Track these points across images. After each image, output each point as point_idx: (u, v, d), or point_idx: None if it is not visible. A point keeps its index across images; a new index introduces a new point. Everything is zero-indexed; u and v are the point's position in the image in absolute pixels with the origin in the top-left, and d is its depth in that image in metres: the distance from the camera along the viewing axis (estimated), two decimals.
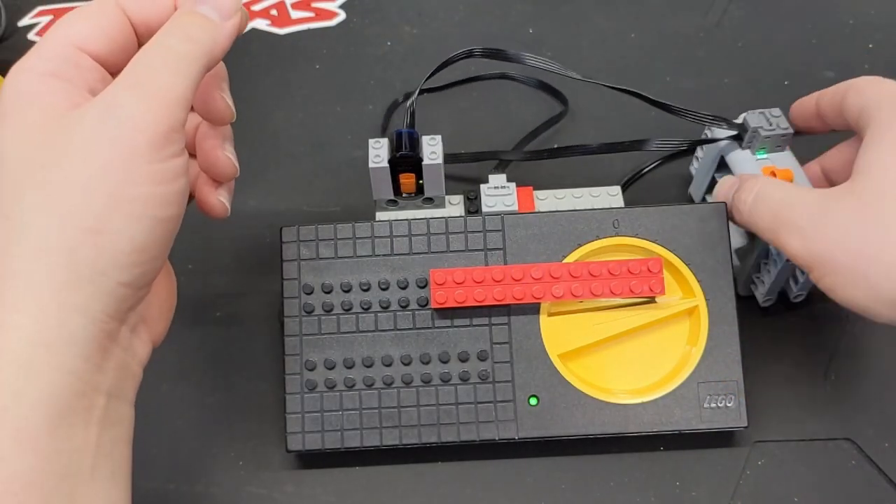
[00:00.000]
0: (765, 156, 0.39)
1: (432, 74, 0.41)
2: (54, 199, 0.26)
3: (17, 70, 0.29)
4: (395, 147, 0.37)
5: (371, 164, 0.37)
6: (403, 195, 0.39)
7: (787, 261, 0.37)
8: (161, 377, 0.40)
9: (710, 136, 0.41)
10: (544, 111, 0.49)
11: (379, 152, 0.37)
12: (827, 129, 0.38)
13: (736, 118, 0.40)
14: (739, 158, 0.39)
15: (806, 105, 0.38)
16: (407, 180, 0.38)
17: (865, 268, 0.30)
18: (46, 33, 0.30)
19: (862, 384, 0.39)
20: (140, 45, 0.30)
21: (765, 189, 0.35)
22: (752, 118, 0.39)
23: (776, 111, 0.39)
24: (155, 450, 0.38)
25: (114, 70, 0.30)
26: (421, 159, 0.37)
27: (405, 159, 0.37)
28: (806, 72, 0.50)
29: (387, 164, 0.37)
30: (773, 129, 0.38)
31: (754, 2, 0.54)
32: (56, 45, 0.29)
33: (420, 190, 0.38)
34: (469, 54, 0.42)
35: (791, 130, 0.38)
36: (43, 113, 0.27)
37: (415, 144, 0.37)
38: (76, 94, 0.28)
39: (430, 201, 0.39)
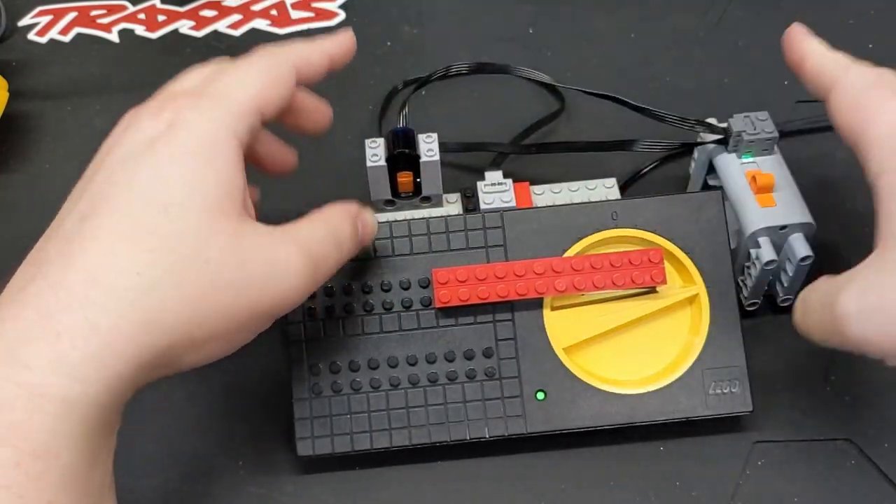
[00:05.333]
0: (751, 159, 0.39)
1: (417, 87, 0.43)
2: (207, 308, 0.27)
3: (219, 124, 0.28)
4: (391, 146, 0.38)
5: (369, 164, 0.38)
6: (401, 195, 0.39)
7: (766, 265, 0.37)
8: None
9: (702, 138, 0.41)
10: (540, 109, 0.49)
11: (376, 151, 0.38)
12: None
13: (732, 119, 0.40)
14: (725, 162, 0.39)
15: (793, 45, 0.36)
16: (404, 179, 0.38)
17: None
18: (239, 77, 0.30)
19: (862, 384, 0.39)
20: None
21: (803, 297, 0.32)
22: (737, 122, 0.39)
23: (763, 114, 0.39)
24: (155, 450, 0.38)
25: None
26: (418, 156, 0.37)
27: (402, 157, 0.37)
28: None
29: (384, 163, 0.38)
30: (758, 134, 0.38)
31: (754, 2, 0.54)
32: (250, 111, 0.29)
33: (417, 189, 0.39)
34: (446, 72, 0.44)
35: (776, 134, 0.38)
36: (228, 199, 0.28)
37: (411, 142, 0.38)
38: (243, 177, 0.29)
39: (427, 200, 0.39)
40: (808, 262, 0.37)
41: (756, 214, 0.37)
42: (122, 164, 0.28)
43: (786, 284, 0.38)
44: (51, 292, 0.25)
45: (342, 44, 0.34)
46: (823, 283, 0.31)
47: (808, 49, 0.35)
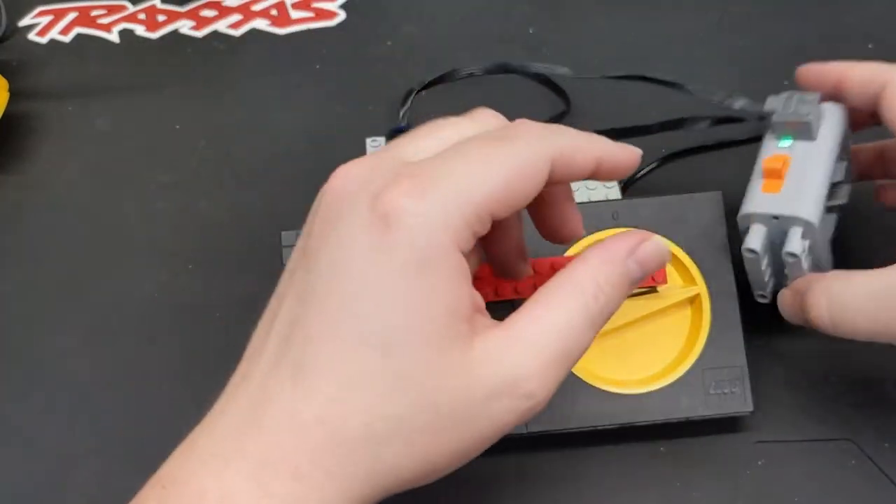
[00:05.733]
0: (788, 143, 0.35)
1: (428, 86, 0.42)
2: (434, 453, 0.25)
3: (443, 232, 0.25)
4: None
5: None
6: None
7: (747, 251, 0.35)
8: (161, 377, 0.40)
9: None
10: (544, 110, 0.49)
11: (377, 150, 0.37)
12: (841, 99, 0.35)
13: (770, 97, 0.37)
14: (765, 142, 0.36)
15: (821, 75, 0.35)
16: None
17: None
18: (481, 170, 0.25)
19: (862, 384, 0.39)
20: None
21: (834, 292, 0.32)
22: (771, 100, 0.36)
23: (810, 95, 0.35)
24: (154, 450, 0.38)
25: None
26: None
27: None
28: None
29: None
30: (788, 116, 0.35)
31: (754, 2, 0.54)
32: (483, 216, 0.25)
33: None
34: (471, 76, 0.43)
35: (810, 119, 0.35)
36: (452, 322, 0.25)
37: None
38: (468, 287, 0.26)
39: None
40: (793, 260, 0.34)
41: (752, 197, 0.35)
42: (332, 274, 0.25)
43: (768, 290, 0.37)
44: (287, 433, 0.25)
45: (617, 154, 0.29)
46: (863, 278, 0.31)
47: (840, 69, 0.35)
